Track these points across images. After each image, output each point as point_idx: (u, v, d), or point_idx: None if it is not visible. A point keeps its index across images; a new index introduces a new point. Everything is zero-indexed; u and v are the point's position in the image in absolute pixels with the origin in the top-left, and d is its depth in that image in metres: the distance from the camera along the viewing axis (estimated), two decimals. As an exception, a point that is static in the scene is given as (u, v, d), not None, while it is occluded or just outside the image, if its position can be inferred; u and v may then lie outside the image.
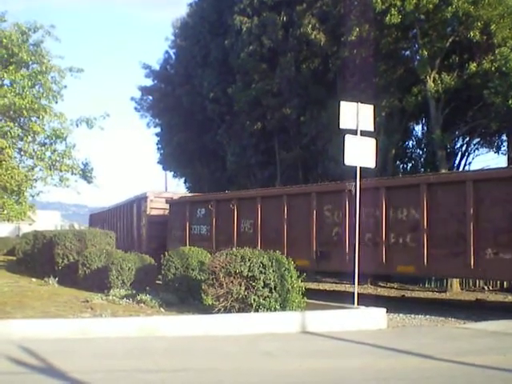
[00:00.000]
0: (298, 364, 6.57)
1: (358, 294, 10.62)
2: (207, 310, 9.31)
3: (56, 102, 15.67)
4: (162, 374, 6.03)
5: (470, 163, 23.27)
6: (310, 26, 22.95)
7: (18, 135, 15.21)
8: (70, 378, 5.64)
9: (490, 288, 18.81)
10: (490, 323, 10.12)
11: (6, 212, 15.88)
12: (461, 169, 22.39)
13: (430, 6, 18.19)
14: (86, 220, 41.86)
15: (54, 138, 15.48)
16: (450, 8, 17.80)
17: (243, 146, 27.75)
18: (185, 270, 11.51)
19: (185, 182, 38.04)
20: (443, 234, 12.41)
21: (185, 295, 11.23)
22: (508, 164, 20.24)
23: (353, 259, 11.23)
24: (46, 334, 7.68)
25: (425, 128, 24.80)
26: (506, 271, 11.57)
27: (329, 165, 22.91)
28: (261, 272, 9.01)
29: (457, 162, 22.91)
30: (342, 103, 10.95)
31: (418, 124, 25.31)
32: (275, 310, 9.03)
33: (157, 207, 21.09)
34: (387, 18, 18.44)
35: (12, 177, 14.84)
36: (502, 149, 22.33)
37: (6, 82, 14.98)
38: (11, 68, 14.61)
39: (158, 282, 12.99)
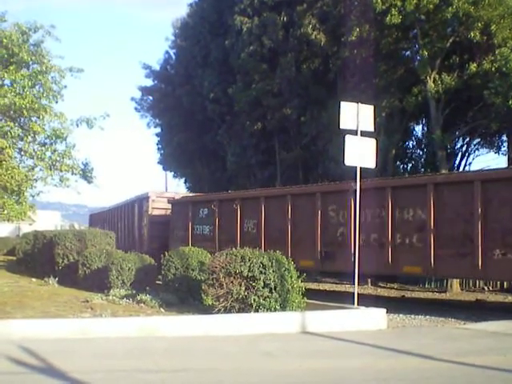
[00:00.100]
0: (298, 364, 6.57)
1: (358, 294, 10.61)
2: (207, 310, 9.31)
3: (56, 102, 15.71)
4: (162, 374, 6.03)
5: (470, 164, 23.33)
6: (311, 26, 22.97)
7: (18, 135, 15.21)
8: (70, 378, 5.64)
9: (490, 288, 18.81)
10: (490, 324, 10.11)
11: (6, 212, 15.88)
12: (461, 169, 22.40)
13: (431, 6, 18.19)
14: (86, 220, 41.87)
15: (54, 138, 15.49)
16: (450, 8, 17.81)
17: (243, 146, 27.76)
18: (185, 270, 11.51)
19: (185, 182, 38.10)
20: (450, 235, 12.30)
21: (185, 295, 11.22)
22: (508, 164, 20.23)
23: (358, 259, 11.21)
24: (46, 334, 7.68)
25: (425, 128, 24.84)
26: None
27: (329, 165, 22.92)
28: (261, 272, 9.01)
29: (457, 162, 22.93)
30: (343, 103, 10.95)
31: (418, 124, 25.35)
32: (275, 310, 9.03)
33: (158, 207, 21.07)
34: (387, 19, 18.45)
35: (12, 177, 14.84)
36: (503, 149, 22.35)
37: (7, 81, 15.00)
38: (11, 68, 14.62)
39: (158, 282, 12.99)
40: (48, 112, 15.07)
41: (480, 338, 8.64)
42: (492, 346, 7.93)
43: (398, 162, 24.51)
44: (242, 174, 28.63)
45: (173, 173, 39.37)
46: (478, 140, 22.98)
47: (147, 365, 6.37)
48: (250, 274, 8.96)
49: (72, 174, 15.99)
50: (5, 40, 14.62)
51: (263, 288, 8.99)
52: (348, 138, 10.74)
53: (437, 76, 19.32)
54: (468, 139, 22.91)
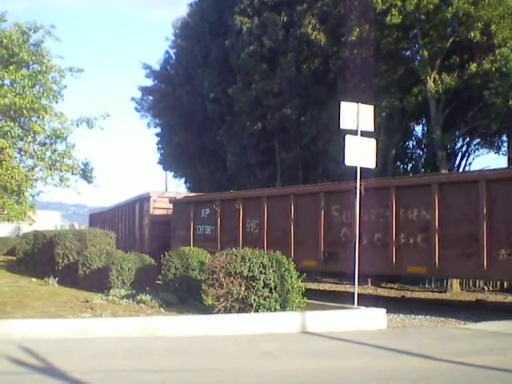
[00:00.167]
0: (298, 364, 6.57)
1: (358, 294, 10.61)
2: (207, 310, 9.31)
3: (56, 102, 15.72)
4: (162, 374, 6.03)
5: (470, 164, 23.31)
6: (311, 26, 22.97)
7: (19, 135, 15.22)
8: (70, 378, 5.64)
9: (490, 288, 18.80)
10: (490, 324, 10.11)
11: (6, 212, 15.89)
12: (461, 169, 22.40)
13: (431, 6, 18.19)
14: (85, 220, 41.86)
15: (54, 138, 15.50)
16: (450, 8, 17.81)
17: (243, 146, 27.76)
18: (185, 270, 11.51)
19: (185, 182, 38.10)
20: (455, 235, 12.21)
21: (185, 295, 11.22)
22: (508, 164, 20.23)
23: (362, 260, 11.17)
24: (45, 334, 7.67)
25: (425, 128, 24.83)
26: None
27: (329, 165, 22.92)
28: (261, 272, 9.01)
29: (457, 162, 22.93)
30: (343, 103, 10.94)
31: (418, 124, 25.34)
32: (275, 310, 9.03)
33: (160, 207, 21.02)
34: (388, 19, 18.45)
35: (12, 177, 14.85)
36: (503, 149, 22.34)
37: (7, 81, 15.02)
38: (11, 68, 14.63)
39: (158, 282, 12.98)
40: (48, 112, 15.09)
41: (480, 338, 8.64)
42: (492, 345, 7.93)
43: (398, 162, 24.50)
44: (242, 173, 28.63)
45: (173, 173, 39.42)
46: (478, 140, 22.97)
47: (147, 365, 6.37)
48: (250, 274, 8.96)
49: (72, 174, 16.02)
50: (5, 40, 14.63)
51: (263, 288, 8.99)
52: (348, 138, 10.74)
53: (437, 76, 19.32)
54: (468, 139, 22.90)
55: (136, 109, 38.33)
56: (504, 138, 22.03)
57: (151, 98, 37.02)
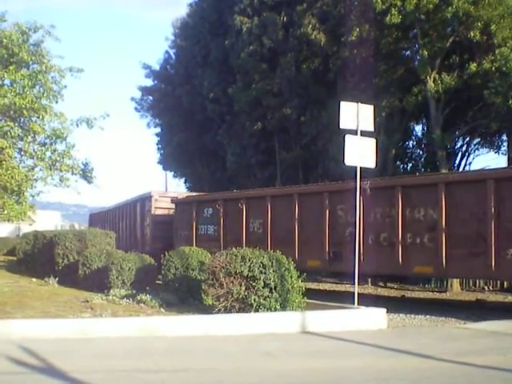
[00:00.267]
0: (298, 364, 6.57)
1: (358, 294, 10.61)
2: (207, 310, 9.31)
3: (56, 102, 15.70)
4: (162, 374, 6.03)
5: (470, 163, 23.30)
6: (311, 26, 22.96)
7: (18, 135, 15.21)
8: (70, 378, 5.64)
9: (490, 288, 18.81)
10: (490, 323, 10.11)
11: (6, 212, 15.88)
12: (461, 169, 22.40)
13: (431, 6, 18.19)
14: (86, 220, 41.88)
15: (54, 138, 15.49)
16: (450, 8, 17.80)
17: (243, 146, 27.76)
18: (185, 270, 11.51)
19: (185, 182, 38.11)
20: (462, 234, 12.08)
21: (185, 295, 11.22)
22: (508, 164, 20.23)
23: (368, 260, 11.12)
24: (45, 334, 7.68)
25: (425, 128, 24.82)
26: None
27: (329, 165, 22.91)
28: (261, 272, 9.01)
29: (457, 162, 22.91)
30: (342, 103, 10.94)
31: (418, 124, 25.33)
32: (275, 310, 9.03)
33: (161, 207, 20.97)
34: (387, 18, 18.45)
35: (12, 177, 14.84)
36: (502, 149, 22.34)
37: (7, 81, 15.00)
38: (11, 68, 14.62)
39: (158, 281, 12.98)
40: (48, 112, 15.07)
41: (480, 338, 8.64)
42: (492, 345, 7.93)
43: (397, 162, 24.50)
44: (242, 173, 28.63)
45: (173, 173, 39.42)
46: (478, 140, 22.97)
47: (147, 365, 6.37)
48: (250, 274, 8.96)
49: (72, 174, 15.99)
50: (5, 40, 14.62)
51: (263, 288, 8.99)
52: (348, 137, 10.74)
53: (437, 76, 19.32)
54: (468, 139, 22.90)
55: (136, 109, 38.37)
56: (504, 137, 22.04)
57: (151, 97, 37.03)
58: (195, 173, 34.66)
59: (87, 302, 10.86)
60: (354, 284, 11.05)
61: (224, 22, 27.91)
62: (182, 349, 7.41)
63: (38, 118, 15.12)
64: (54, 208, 76.83)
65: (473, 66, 18.54)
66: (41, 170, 15.83)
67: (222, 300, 9.02)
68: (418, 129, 25.55)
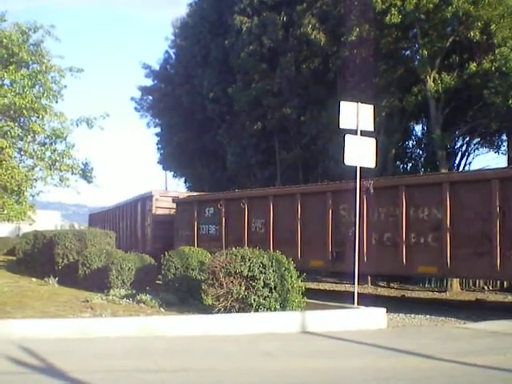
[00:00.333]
0: (298, 364, 6.57)
1: (357, 293, 10.61)
2: (207, 309, 9.31)
3: (56, 102, 15.69)
4: (162, 374, 6.03)
5: (470, 163, 23.32)
6: (310, 25, 22.96)
7: (18, 135, 15.21)
8: (70, 378, 5.64)
9: (490, 288, 18.82)
10: (490, 323, 10.11)
11: (6, 212, 15.88)
12: (461, 169, 22.40)
13: (431, 5, 18.19)
14: (86, 220, 41.87)
15: (53, 138, 15.49)
16: (450, 8, 17.80)
17: (243, 145, 27.76)
18: (185, 270, 11.51)
19: (185, 182, 38.14)
20: (467, 234, 12.01)
21: (185, 295, 11.22)
22: (508, 164, 20.24)
23: (372, 260, 11.08)
24: (45, 334, 7.68)
25: (425, 128, 24.83)
26: None
27: (329, 164, 22.93)
28: (261, 272, 9.01)
29: (457, 161, 22.92)
30: (342, 103, 10.94)
31: (418, 124, 25.34)
32: (275, 309, 9.03)
33: (162, 206, 20.92)
34: (387, 18, 18.44)
35: (12, 176, 14.84)
36: (502, 149, 22.33)
37: (6, 81, 14.99)
38: (11, 68, 14.61)
39: (158, 281, 12.98)
40: (48, 112, 15.07)
41: (480, 338, 8.63)
42: (492, 345, 7.93)
43: (397, 162, 24.50)
44: (242, 173, 28.63)
45: (173, 173, 39.42)
46: (478, 139, 22.97)
47: (147, 365, 6.37)
48: (249, 274, 8.96)
49: (72, 173, 15.99)
50: (5, 40, 14.61)
51: (263, 288, 8.99)
52: (348, 137, 10.73)
53: (437, 75, 19.31)
54: (468, 139, 22.90)
55: (136, 109, 38.39)
56: (504, 137, 22.03)
57: (151, 97, 37.04)
58: (195, 173, 34.66)
59: (87, 301, 10.87)
60: (353, 284, 11.04)
61: (224, 21, 27.92)
62: (182, 349, 7.41)
63: (38, 117, 15.12)
64: (53, 208, 76.88)
65: (473, 66, 18.54)
66: (41, 169, 15.84)
67: (221, 300, 9.02)
68: (418, 128, 25.60)
